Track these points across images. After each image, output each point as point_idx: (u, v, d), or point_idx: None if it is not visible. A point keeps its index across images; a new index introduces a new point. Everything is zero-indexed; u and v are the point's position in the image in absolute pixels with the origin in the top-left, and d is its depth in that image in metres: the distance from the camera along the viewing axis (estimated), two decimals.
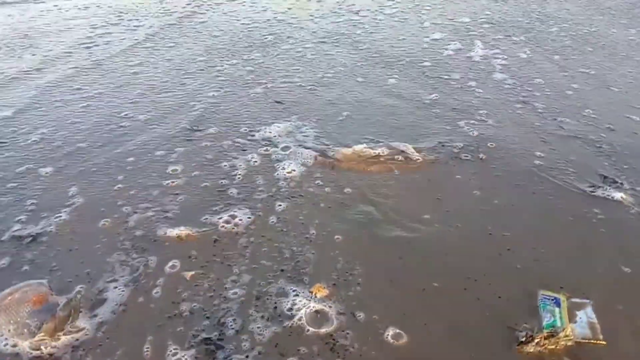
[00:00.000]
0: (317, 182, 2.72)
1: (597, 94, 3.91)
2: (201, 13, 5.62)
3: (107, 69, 4.16)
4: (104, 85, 3.88)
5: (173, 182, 2.75)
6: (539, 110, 3.59)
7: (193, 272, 2.12)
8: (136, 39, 4.75)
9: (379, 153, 2.85)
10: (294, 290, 2.07)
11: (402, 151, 2.89)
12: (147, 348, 1.85)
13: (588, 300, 2.01)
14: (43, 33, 4.84)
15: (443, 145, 3.05)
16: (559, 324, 1.90)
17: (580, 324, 1.92)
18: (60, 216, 2.48)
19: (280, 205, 2.54)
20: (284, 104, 3.58)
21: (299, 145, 3.01)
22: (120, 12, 5.44)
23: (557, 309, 1.96)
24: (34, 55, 4.33)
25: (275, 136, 3.15)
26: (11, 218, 2.47)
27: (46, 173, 2.84)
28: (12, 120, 3.40)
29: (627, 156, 3.04)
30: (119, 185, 2.74)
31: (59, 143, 3.14)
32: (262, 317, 1.97)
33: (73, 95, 3.73)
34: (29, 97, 3.65)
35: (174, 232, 2.37)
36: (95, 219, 2.47)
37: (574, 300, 2.01)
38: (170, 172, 2.84)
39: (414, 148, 2.95)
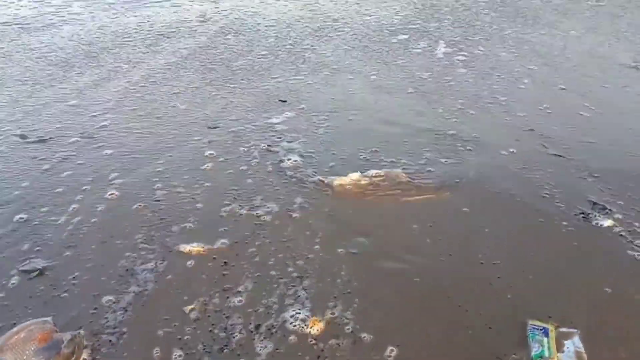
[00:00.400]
0: (314, 212, 2.79)
1: (543, 88, 4.58)
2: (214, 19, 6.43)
3: (157, 71, 4.92)
4: (157, 85, 4.59)
5: (207, 166, 3.23)
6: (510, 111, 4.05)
7: (193, 306, 2.19)
8: (178, 50, 5.49)
9: (375, 182, 2.92)
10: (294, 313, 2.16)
11: (396, 177, 2.97)
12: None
13: (576, 330, 2.08)
14: (108, 45, 5.55)
15: (433, 170, 3.14)
16: (547, 354, 1.97)
17: (568, 353, 1.99)
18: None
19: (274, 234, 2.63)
20: (287, 102, 4.19)
21: (295, 174, 3.10)
22: (161, 32, 6.04)
23: (545, 339, 2.03)
24: (102, 66, 5.03)
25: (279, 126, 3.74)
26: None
27: (106, 153, 3.42)
28: (96, 112, 4.04)
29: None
30: (159, 169, 3.21)
31: (122, 126, 3.77)
32: (263, 336, 2.06)
33: (135, 91, 4.46)
34: (111, 95, 4.38)
35: (187, 247, 2.52)
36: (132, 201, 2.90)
37: (562, 329, 2.08)
38: (208, 156, 3.37)
39: (406, 174, 3.03)
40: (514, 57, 5.32)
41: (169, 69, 4.93)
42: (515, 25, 6.44)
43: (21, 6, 6.94)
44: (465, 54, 5.40)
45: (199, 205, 2.86)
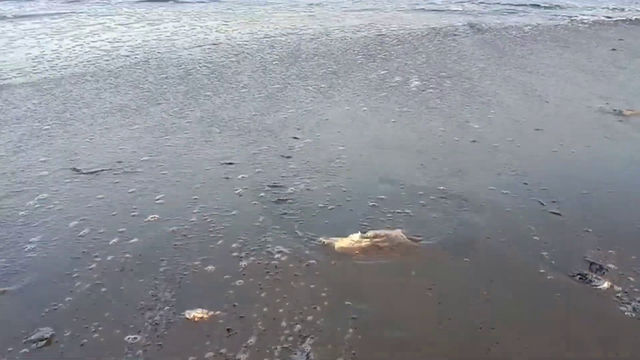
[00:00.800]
0: (310, 273, 2.86)
1: (518, 127, 5.10)
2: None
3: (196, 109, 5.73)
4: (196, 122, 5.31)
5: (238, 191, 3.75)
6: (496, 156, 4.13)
7: None
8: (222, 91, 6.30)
9: (375, 243, 3.00)
10: None
11: (395, 238, 3.04)
12: None
13: None
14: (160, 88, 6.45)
15: (429, 230, 3.22)
16: None
17: None
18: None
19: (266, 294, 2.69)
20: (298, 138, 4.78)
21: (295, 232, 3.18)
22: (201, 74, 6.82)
23: None
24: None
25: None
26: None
27: (163, 173, 4.05)
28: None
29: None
30: (197, 196, 3.66)
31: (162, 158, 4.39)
32: None
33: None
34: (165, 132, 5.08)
35: (192, 313, 2.57)
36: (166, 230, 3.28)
37: None
38: (239, 179, 3.92)
39: (405, 234, 3.11)
40: (480, 90, 6.19)
41: (212, 110, 5.62)
42: (478, 66, 7.40)
43: (74, 60, 7.63)
44: (435, 85, 6.43)
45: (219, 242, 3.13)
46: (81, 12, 10.80)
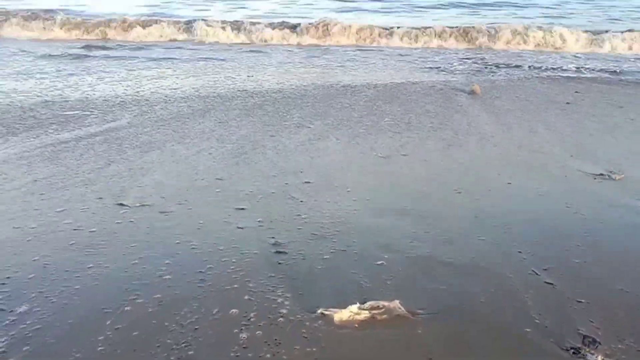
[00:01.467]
0: (310, 345, 2.91)
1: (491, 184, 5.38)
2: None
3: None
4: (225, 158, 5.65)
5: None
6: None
7: None
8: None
9: (373, 314, 3.07)
10: None
11: (393, 310, 3.11)
12: None
13: None
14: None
15: (425, 299, 3.29)
16: None
17: None
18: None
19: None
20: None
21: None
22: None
23: None
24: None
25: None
26: None
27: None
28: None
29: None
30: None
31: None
32: None
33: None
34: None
35: None
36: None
37: None
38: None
39: (402, 305, 3.18)
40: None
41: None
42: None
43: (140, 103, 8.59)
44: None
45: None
46: (136, 65, 12.30)
